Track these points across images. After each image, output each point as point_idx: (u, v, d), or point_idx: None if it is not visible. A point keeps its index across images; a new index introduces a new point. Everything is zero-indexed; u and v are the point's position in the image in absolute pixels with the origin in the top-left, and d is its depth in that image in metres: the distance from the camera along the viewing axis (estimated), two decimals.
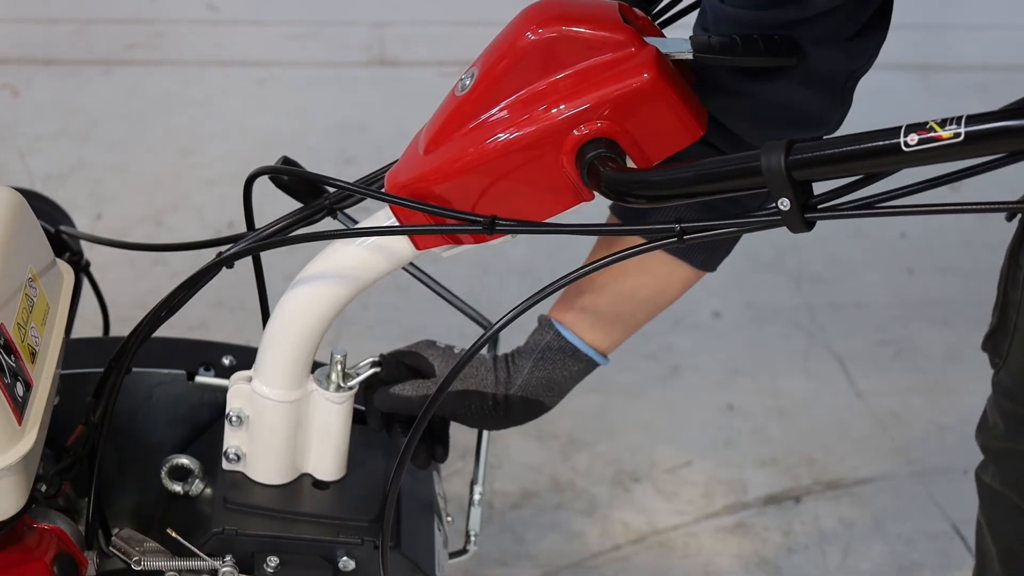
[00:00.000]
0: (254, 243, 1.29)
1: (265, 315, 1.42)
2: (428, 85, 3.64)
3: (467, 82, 1.19)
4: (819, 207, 1.03)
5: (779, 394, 2.66)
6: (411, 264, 1.48)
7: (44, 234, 1.31)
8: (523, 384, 1.40)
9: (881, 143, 0.96)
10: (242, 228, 1.39)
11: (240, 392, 1.36)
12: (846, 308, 2.92)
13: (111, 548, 1.33)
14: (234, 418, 1.36)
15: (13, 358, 1.18)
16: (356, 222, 1.36)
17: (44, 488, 1.28)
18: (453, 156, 1.18)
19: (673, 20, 1.34)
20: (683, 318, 2.82)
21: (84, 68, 3.79)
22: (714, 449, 2.52)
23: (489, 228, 1.16)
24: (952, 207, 0.98)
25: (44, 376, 1.24)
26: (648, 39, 1.16)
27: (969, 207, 0.97)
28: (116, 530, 1.35)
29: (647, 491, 2.42)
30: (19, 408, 1.17)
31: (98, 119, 3.56)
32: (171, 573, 1.31)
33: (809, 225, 1.03)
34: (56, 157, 3.38)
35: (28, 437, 1.18)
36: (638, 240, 1.23)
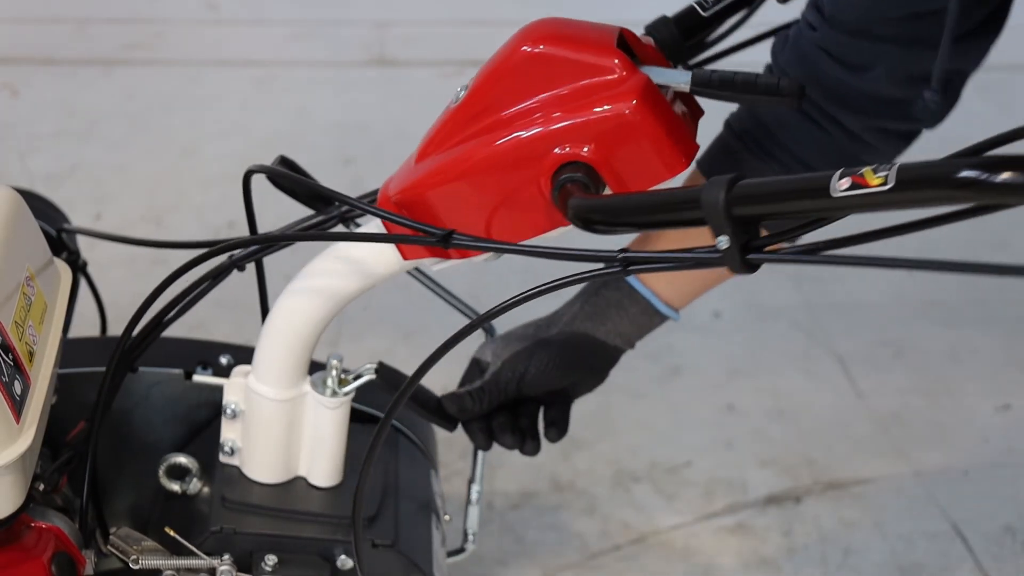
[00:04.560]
0: (264, 245, 1.30)
1: (266, 314, 1.42)
2: (428, 85, 3.64)
3: (461, 94, 1.19)
4: (764, 249, 0.97)
5: (779, 394, 2.66)
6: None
7: (42, 233, 1.31)
8: (568, 320, 1.39)
9: (812, 185, 0.92)
10: (242, 227, 1.39)
11: (236, 386, 1.37)
12: (846, 308, 2.92)
13: (109, 547, 1.33)
14: (229, 411, 1.37)
15: (11, 357, 1.18)
16: (359, 226, 1.37)
17: (42, 487, 1.28)
18: (438, 168, 1.19)
19: (714, 58, 1.33)
20: (683, 318, 2.81)
21: (84, 68, 3.79)
22: (714, 449, 2.52)
23: (444, 241, 1.15)
24: (901, 263, 0.92)
25: (42, 375, 1.24)
26: (646, 68, 1.14)
27: (919, 263, 0.92)
28: (114, 529, 1.35)
29: (647, 491, 2.42)
30: (17, 407, 1.17)
31: (98, 119, 3.56)
32: (169, 572, 1.30)
33: (750, 267, 0.97)
34: (56, 157, 3.38)
35: (26, 436, 1.18)
36: None
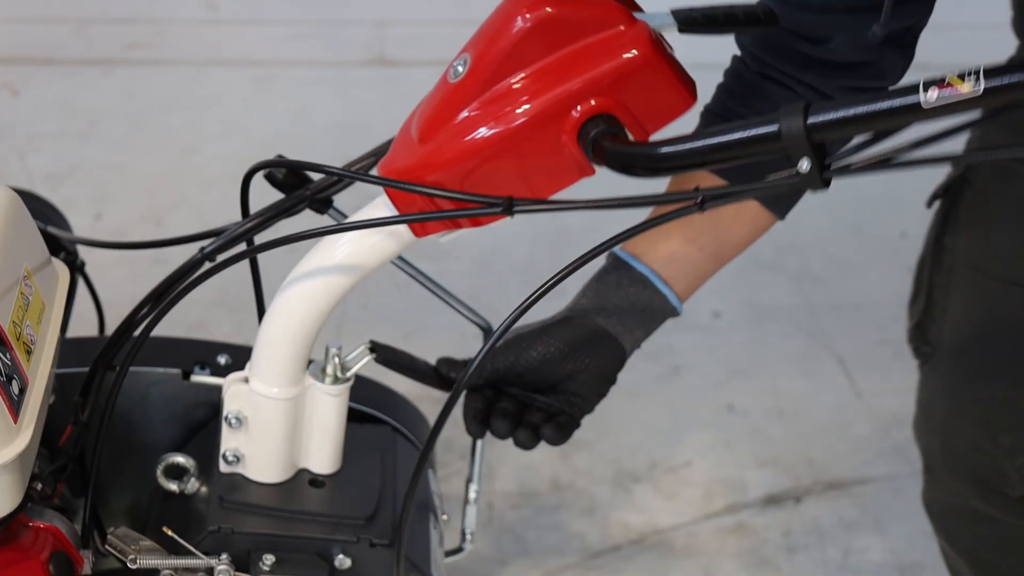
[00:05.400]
0: (234, 236, 1.28)
1: (262, 313, 1.41)
2: (428, 85, 3.64)
3: (460, 69, 1.19)
4: (833, 166, 1.04)
5: (779, 394, 2.66)
6: (409, 265, 1.47)
7: (39, 233, 1.31)
8: (570, 306, 1.39)
9: (901, 101, 0.98)
10: None
11: (238, 393, 1.35)
12: (846, 308, 2.92)
13: (107, 547, 1.32)
14: (233, 420, 1.35)
15: (8, 356, 1.18)
16: (344, 215, 1.36)
17: (40, 487, 1.27)
18: (452, 143, 1.19)
19: None
20: (683, 318, 2.81)
21: (84, 68, 3.79)
22: (714, 449, 2.52)
23: (508, 210, 1.16)
24: (963, 155, 0.99)
25: (40, 374, 1.24)
26: (637, 15, 1.17)
27: (982, 153, 0.98)
28: (112, 529, 1.34)
29: (647, 491, 2.42)
30: (14, 406, 1.17)
31: (98, 119, 3.56)
32: (167, 571, 1.30)
33: (827, 184, 1.04)
34: (56, 157, 3.38)
35: (24, 435, 1.17)
36: None
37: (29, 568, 1.24)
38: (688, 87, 1.17)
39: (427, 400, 2.55)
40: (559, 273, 1.15)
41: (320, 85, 3.75)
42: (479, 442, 1.52)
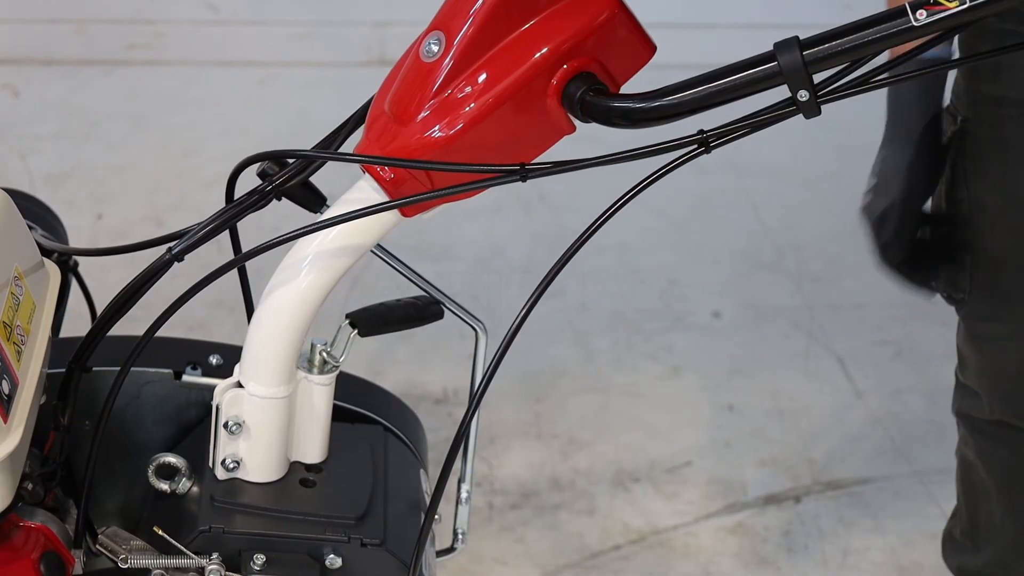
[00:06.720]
0: (200, 236, 1.27)
1: (250, 313, 1.41)
2: None
3: (435, 48, 1.21)
4: (824, 92, 1.10)
5: (779, 394, 2.65)
6: (404, 265, 1.46)
7: (30, 233, 1.31)
8: None
9: (894, 25, 1.04)
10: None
11: (235, 399, 1.34)
12: (846, 308, 2.91)
13: (98, 546, 1.32)
14: (233, 426, 1.34)
15: None
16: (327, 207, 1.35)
17: (31, 487, 1.27)
18: (438, 121, 1.20)
19: None
20: (683, 318, 2.82)
21: (84, 68, 3.79)
22: (714, 449, 2.52)
23: (523, 176, 1.18)
24: (938, 66, 1.08)
25: (30, 375, 1.24)
26: None
27: (956, 63, 1.03)
28: (103, 528, 1.34)
29: (647, 491, 2.42)
30: (4, 406, 1.17)
31: (98, 119, 3.57)
32: (158, 571, 1.30)
33: (820, 110, 1.10)
34: (56, 157, 3.38)
35: (14, 435, 1.18)
36: None
37: (20, 568, 1.24)
38: (648, 38, 1.22)
39: (426, 400, 2.55)
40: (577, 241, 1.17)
41: (320, 85, 3.75)
42: (472, 442, 1.51)
